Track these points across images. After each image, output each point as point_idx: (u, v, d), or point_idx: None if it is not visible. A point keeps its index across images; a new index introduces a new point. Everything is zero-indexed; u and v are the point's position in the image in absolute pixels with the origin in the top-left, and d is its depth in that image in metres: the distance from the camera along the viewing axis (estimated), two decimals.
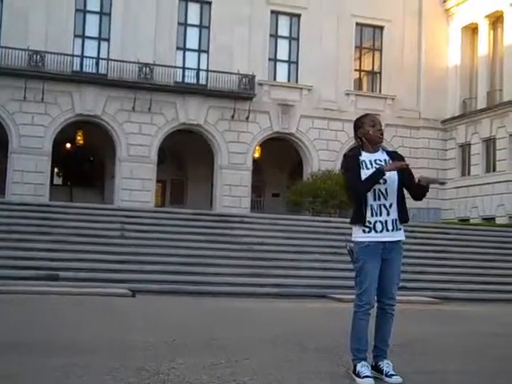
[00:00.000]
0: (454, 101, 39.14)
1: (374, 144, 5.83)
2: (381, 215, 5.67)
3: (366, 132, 5.80)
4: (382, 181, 5.64)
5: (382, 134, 5.86)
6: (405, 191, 5.78)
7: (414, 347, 7.76)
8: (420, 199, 5.85)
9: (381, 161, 5.75)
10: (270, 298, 15.49)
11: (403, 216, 5.76)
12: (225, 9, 35.89)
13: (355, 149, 5.94)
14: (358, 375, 5.52)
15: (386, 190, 5.68)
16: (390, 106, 38.34)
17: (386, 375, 5.58)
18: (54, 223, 19.37)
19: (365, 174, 5.65)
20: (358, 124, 5.88)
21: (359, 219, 5.72)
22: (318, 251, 19.62)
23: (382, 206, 5.67)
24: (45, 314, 10.66)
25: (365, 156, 5.77)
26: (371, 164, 5.71)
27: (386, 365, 5.66)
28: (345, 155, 6.09)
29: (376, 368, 5.67)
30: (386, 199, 5.68)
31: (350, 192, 5.99)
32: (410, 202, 5.87)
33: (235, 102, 35.39)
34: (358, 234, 5.71)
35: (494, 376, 6.23)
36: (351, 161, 5.84)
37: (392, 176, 5.68)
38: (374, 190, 5.64)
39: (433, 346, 8.04)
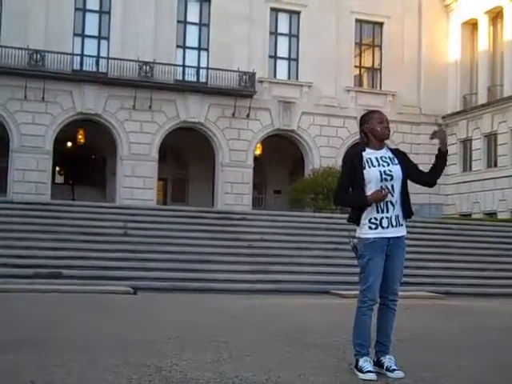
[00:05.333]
0: (454, 96, 39.12)
1: (381, 140, 5.83)
2: (387, 211, 5.68)
3: (374, 128, 5.79)
4: (388, 177, 5.67)
5: (389, 131, 5.86)
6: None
7: (416, 342, 7.76)
8: (434, 183, 5.87)
9: (386, 158, 5.75)
10: (272, 294, 15.48)
11: (407, 211, 5.78)
12: (224, 6, 35.86)
13: (360, 145, 5.92)
14: (361, 370, 5.52)
15: (392, 186, 5.68)
16: (390, 102, 38.29)
17: (389, 370, 5.59)
18: (56, 222, 19.37)
19: (369, 172, 5.66)
20: (365, 119, 5.86)
21: (355, 220, 5.77)
22: (320, 247, 19.65)
23: (389, 203, 5.68)
24: (47, 311, 10.67)
25: (370, 153, 5.76)
26: (377, 161, 5.71)
27: (389, 360, 5.66)
28: (346, 152, 6.08)
29: (378, 363, 5.68)
30: (392, 195, 5.68)
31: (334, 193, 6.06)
32: (411, 198, 5.87)
33: (236, 100, 35.38)
34: (364, 231, 5.70)
35: (496, 371, 6.22)
36: (350, 160, 5.83)
37: (397, 172, 5.69)
38: (381, 186, 5.64)
39: (435, 341, 8.04)
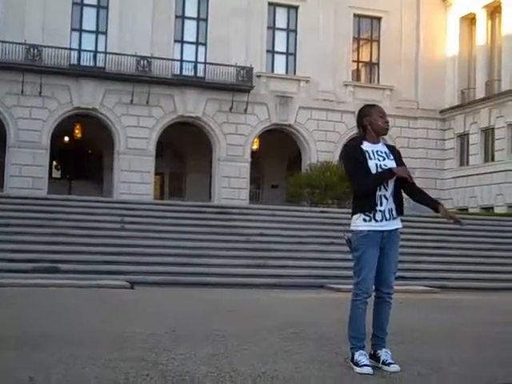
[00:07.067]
0: (452, 91, 39.11)
1: (379, 135, 5.86)
2: (381, 205, 5.71)
3: (374, 121, 5.81)
4: None
5: (388, 126, 5.90)
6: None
7: (413, 336, 7.77)
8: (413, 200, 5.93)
9: (382, 152, 5.78)
10: (268, 288, 15.50)
11: (399, 207, 5.80)
12: (222, 1, 35.89)
13: (357, 138, 5.94)
14: (357, 364, 5.54)
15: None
16: (388, 97, 38.29)
17: (384, 364, 5.61)
18: (52, 216, 19.38)
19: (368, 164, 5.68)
20: (366, 112, 5.87)
21: (366, 207, 5.68)
22: (315, 242, 19.65)
23: (383, 197, 5.71)
24: (43, 306, 10.68)
25: (367, 146, 5.78)
26: (373, 154, 5.73)
27: (385, 353, 5.68)
28: (345, 145, 6.12)
29: (374, 356, 5.70)
30: (386, 190, 5.72)
31: (354, 184, 5.95)
32: None
33: (233, 94, 35.36)
34: (358, 223, 5.72)
35: (491, 365, 6.24)
36: (354, 152, 5.83)
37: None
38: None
39: (431, 335, 8.06)
